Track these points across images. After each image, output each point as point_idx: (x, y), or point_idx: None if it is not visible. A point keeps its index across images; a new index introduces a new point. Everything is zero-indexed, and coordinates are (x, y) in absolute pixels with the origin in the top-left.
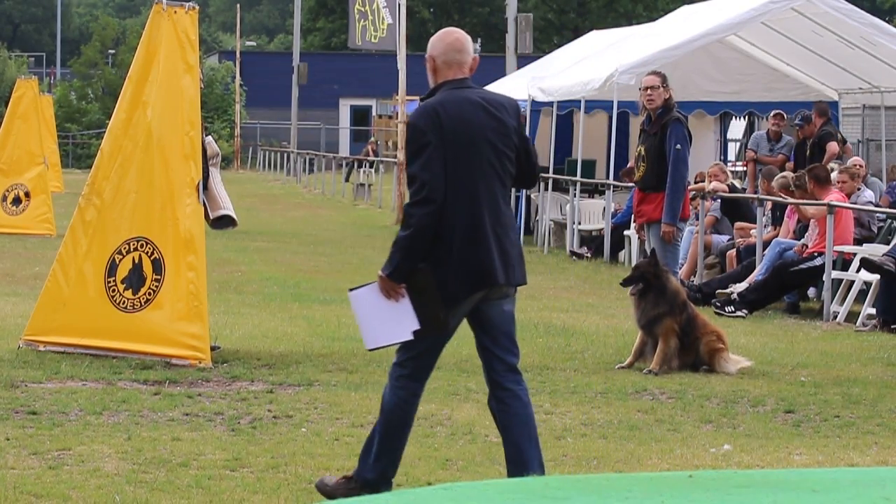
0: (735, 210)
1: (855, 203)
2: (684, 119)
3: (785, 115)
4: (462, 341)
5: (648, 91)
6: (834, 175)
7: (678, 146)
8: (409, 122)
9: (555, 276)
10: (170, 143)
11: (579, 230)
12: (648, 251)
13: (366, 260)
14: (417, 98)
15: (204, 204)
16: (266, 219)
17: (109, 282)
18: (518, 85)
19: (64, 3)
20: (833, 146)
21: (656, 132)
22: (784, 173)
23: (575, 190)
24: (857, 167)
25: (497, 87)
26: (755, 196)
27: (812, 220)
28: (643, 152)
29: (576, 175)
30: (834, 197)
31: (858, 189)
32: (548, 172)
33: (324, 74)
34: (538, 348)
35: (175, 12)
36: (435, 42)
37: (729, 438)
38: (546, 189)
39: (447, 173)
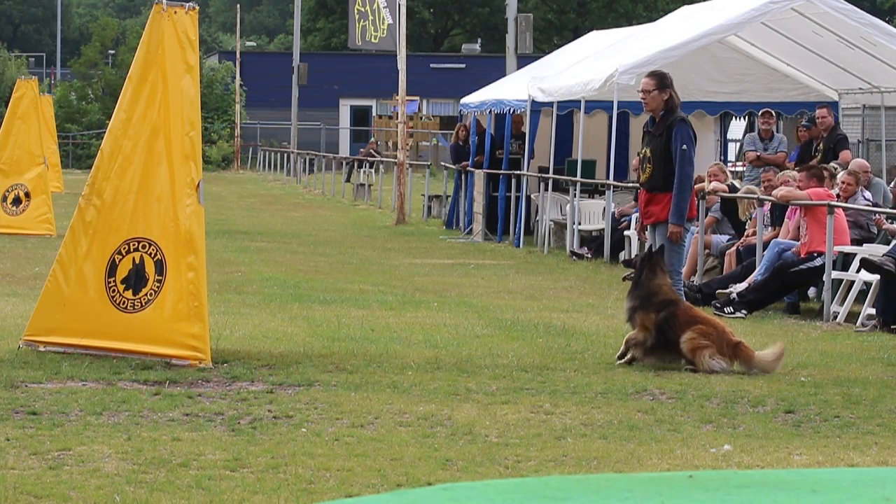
0: (735, 210)
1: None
2: (689, 120)
3: (772, 112)
4: (462, 341)
5: (642, 94)
6: (841, 175)
7: (684, 147)
8: None
9: (555, 277)
10: (170, 143)
11: (579, 230)
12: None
13: (366, 260)
14: (417, 98)
15: None
16: (266, 219)
17: (109, 282)
18: (518, 85)
19: (64, 3)
20: (846, 154)
21: (661, 133)
22: (788, 171)
23: (575, 190)
24: (865, 172)
25: (497, 87)
26: (755, 196)
27: (804, 220)
28: (649, 154)
29: (576, 175)
30: (822, 194)
31: (856, 191)
32: (548, 172)
33: (324, 74)
34: (538, 348)
35: (175, 12)
36: None
37: (729, 438)
38: (546, 189)
39: None
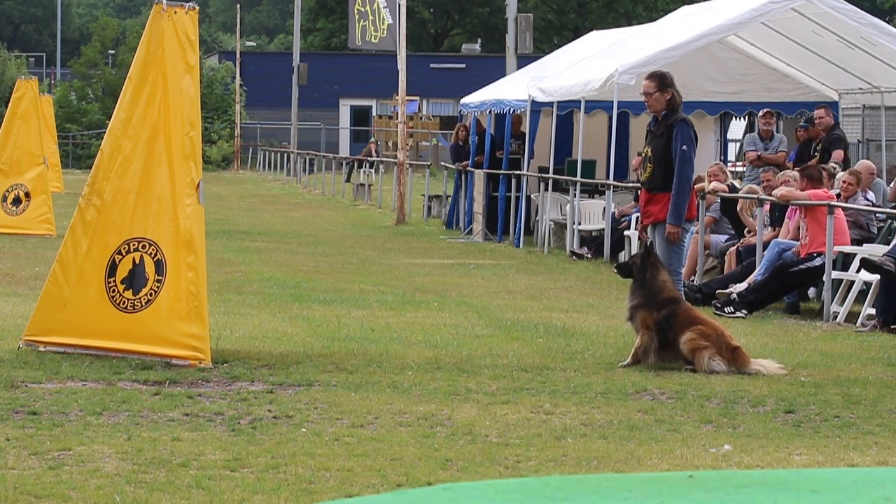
0: (734, 210)
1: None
2: (690, 120)
3: (773, 113)
4: (462, 341)
5: (645, 97)
6: (840, 175)
7: (684, 147)
8: None
9: (555, 277)
10: (170, 143)
11: (579, 230)
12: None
13: (366, 260)
14: (417, 98)
15: None
16: (266, 219)
17: (109, 282)
18: (518, 85)
19: (64, 3)
20: (839, 154)
21: (662, 133)
22: (788, 171)
23: (575, 190)
24: (871, 174)
25: (497, 87)
26: (755, 196)
27: (804, 220)
28: (649, 153)
29: (576, 175)
30: (822, 195)
31: (857, 191)
32: (548, 172)
33: (324, 74)
34: (538, 348)
35: (175, 12)
36: None
37: (729, 438)
38: (546, 189)
39: None
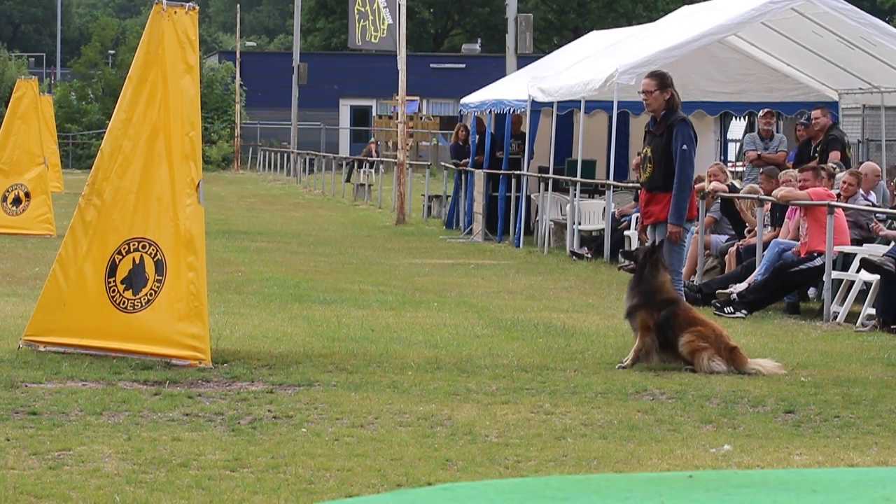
0: (734, 210)
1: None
2: (690, 120)
3: (773, 113)
4: (462, 341)
5: (644, 95)
6: (841, 175)
7: (684, 147)
8: None
9: (555, 277)
10: (170, 143)
11: (579, 230)
12: None
13: (366, 260)
14: (417, 98)
15: None
16: (266, 219)
17: (109, 282)
18: (518, 85)
19: (64, 3)
20: (835, 155)
21: (662, 133)
22: (788, 170)
23: (575, 190)
24: (876, 176)
25: (497, 87)
26: (755, 196)
27: (804, 220)
28: (649, 153)
29: (576, 175)
30: (822, 194)
31: (857, 191)
32: (548, 172)
33: (324, 74)
34: (538, 348)
35: (175, 13)
36: None
37: (729, 438)
38: (546, 189)
39: None
